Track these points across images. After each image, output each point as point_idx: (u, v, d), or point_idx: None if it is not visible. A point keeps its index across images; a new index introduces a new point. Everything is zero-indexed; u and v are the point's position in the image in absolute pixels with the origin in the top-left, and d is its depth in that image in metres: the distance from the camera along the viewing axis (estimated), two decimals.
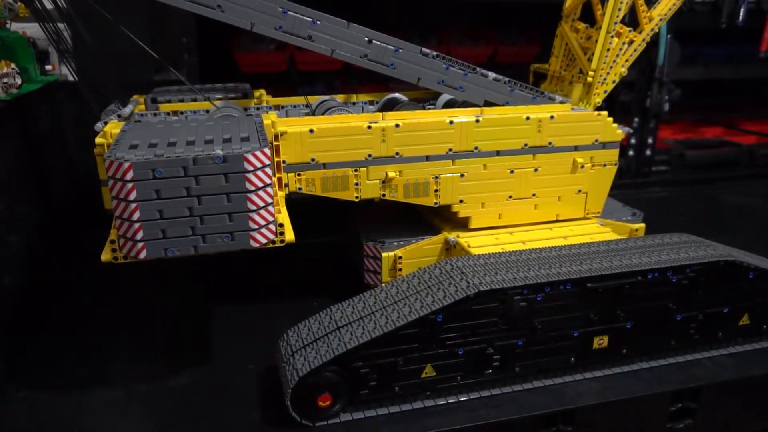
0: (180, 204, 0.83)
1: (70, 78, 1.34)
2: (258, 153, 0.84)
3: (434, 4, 1.93)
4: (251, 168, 0.83)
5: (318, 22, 1.06)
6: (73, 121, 1.42)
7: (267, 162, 0.85)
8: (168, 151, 0.84)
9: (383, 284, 1.00)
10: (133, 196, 0.81)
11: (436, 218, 1.26)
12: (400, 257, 1.18)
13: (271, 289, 1.33)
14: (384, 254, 1.18)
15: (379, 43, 1.10)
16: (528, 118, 1.16)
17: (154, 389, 0.99)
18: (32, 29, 1.34)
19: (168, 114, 1.22)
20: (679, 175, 2.01)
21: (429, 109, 1.30)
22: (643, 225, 1.32)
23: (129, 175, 0.80)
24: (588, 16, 1.32)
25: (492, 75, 1.17)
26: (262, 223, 0.87)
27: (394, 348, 0.91)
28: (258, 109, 1.26)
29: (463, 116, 1.13)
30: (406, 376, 0.93)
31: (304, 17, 1.05)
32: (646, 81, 1.82)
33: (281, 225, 0.91)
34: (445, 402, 0.94)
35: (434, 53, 1.13)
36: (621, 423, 0.97)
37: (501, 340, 0.96)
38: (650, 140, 1.89)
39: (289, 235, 0.92)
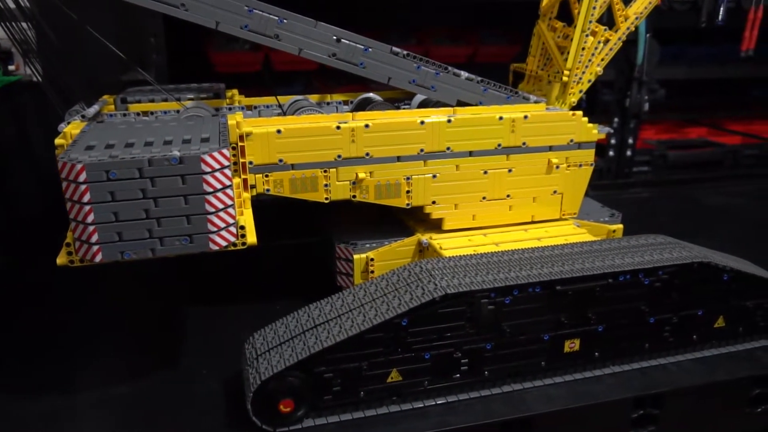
0: (136, 206, 0.81)
1: (35, 78, 1.32)
2: (216, 154, 0.82)
3: (416, 4, 1.91)
4: (209, 169, 0.82)
5: (285, 21, 1.04)
6: (37, 122, 1.40)
7: (226, 163, 0.84)
8: (124, 152, 0.82)
9: (351, 287, 0.98)
10: (86, 198, 0.79)
11: (411, 219, 1.24)
12: (372, 259, 1.16)
13: (243, 291, 1.31)
14: (356, 256, 1.16)
15: (348, 42, 1.08)
16: (501, 118, 1.14)
17: (104, 396, 0.97)
18: None
19: (138, 114, 1.20)
20: (661, 176, 2.00)
21: (404, 109, 1.28)
22: (621, 226, 1.31)
23: (82, 177, 0.78)
24: (566, 15, 1.30)
25: (464, 74, 1.16)
26: (222, 225, 0.85)
27: (358, 352, 0.89)
28: (230, 109, 1.24)
29: (434, 116, 1.12)
30: (371, 381, 0.91)
31: (271, 16, 1.03)
32: (626, 81, 1.81)
33: (242, 227, 0.89)
34: (398, 409, 0.92)
35: (405, 52, 1.12)
36: (581, 430, 0.95)
37: (469, 344, 0.94)
38: (630, 140, 1.88)
39: (251, 238, 0.90)
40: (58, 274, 1.32)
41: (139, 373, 1.01)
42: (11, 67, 1.26)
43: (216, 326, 1.16)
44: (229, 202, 0.85)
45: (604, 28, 1.21)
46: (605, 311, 1.00)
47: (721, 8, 1.67)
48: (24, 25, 1.09)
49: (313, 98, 1.32)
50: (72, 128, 0.94)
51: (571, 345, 1.01)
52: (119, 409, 0.94)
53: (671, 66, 2.21)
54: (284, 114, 1.22)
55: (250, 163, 1.04)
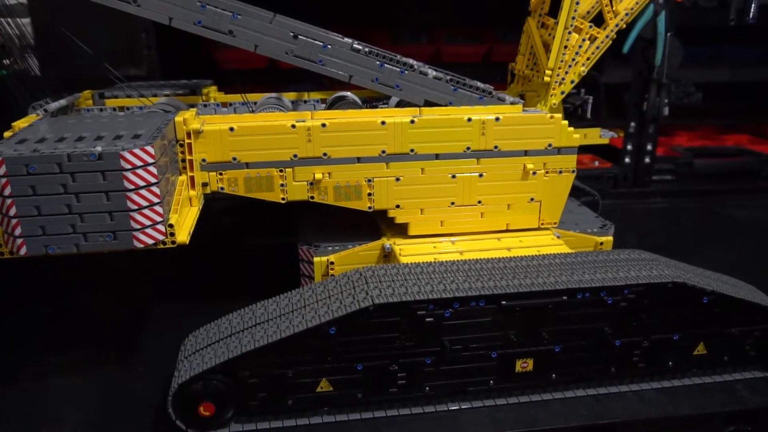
0: (57, 201, 0.81)
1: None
2: (137, 151, 0.81)
3: (427, 1, 1.86)
4: (129, 166, 0.81)
5: (239, 17, 1.02)
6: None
7: (150, 160, 0.82)
8: (49, 146, 0.82)
9: (303, 287, 0.96)
10: (7, 191, 0.79)
11: (383, 223, 1.20)
12: (332, 263, 1.13)
13: (209, 290, 1.30)
14: (316, 259, 1.12)
15: (305, 38, 1.04)
16: (470, 120, 1.08)
17: (40, 388, 0.97)
18: None
19: (114, 109, 1.22)
20: (686, 185, 1.85)
21: (381, 108, 1.24)
22: (610, 238, 1.21)
23: (1, 170, 0.79)
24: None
25: (432, 73, 1.10)
26: (147, 223, 0.84)
27: (283, 359, 0.86)
28: (205, 106, 1.24)
29: (396, 116, 1.07)
30: (300, 389, 0.88)
31: (225, 11, 1.01)
32: (644, 83, 1.68)
33: (171, 225, 0.87)
34: (307, 422, 0.88)
35: (367, 49, 1.07)
36: None
37: (405, 358, 0.89)
38: (649, 146, 1.75)
39: (182, 237, 0.89)
40: (28, 264, 1.36)
41: (78, 368, 1.02)
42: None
43: (169, 324, 1.15)
44: (155, 200, 0.84)
45: (589, 24, 1.12)
46: (561, 330, 0.93)
47: (753, 4, 1.53)
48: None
49: (291, 96, 1.29)
50: (21, 122, 0.96)
51: (524, 365, 0.94)
52: (47, 403, 0.95)
53: (709, 68, 2.06)
54: (253, 112, 1.20)
55: (203, 160, 1.03)
